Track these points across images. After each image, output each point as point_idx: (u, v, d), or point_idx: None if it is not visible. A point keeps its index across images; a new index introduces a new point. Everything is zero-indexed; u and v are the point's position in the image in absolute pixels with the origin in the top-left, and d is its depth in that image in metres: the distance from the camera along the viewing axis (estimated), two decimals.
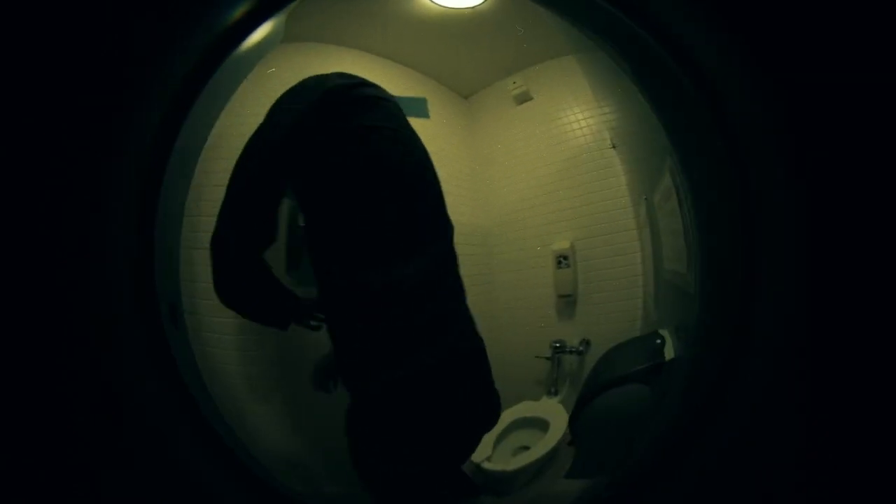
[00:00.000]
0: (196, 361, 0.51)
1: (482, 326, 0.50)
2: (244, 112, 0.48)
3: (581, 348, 0.53)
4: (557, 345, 0.53)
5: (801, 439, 0.48)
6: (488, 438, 0.53)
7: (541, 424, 0.55)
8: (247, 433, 0.54)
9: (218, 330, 0.51)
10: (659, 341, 0.53)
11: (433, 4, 0.50)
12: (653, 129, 0.52)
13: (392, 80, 0.48)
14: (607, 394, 0.53)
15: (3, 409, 0.38)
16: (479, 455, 0.53)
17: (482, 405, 0.53)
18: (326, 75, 0.48)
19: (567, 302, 0.51)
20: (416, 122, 0.48)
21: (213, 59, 0.48)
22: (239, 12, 0.47)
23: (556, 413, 0.55)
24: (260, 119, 0.47)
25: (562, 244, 0.50)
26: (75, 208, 0.41)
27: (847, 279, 0.44)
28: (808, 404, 0.47)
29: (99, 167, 0.42)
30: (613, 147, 0.51)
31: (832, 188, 0.43)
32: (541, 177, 0.50)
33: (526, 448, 0.55)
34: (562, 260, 0.50)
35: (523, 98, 0.50)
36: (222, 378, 0.52)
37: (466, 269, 0.48)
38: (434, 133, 0.48)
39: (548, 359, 0.53)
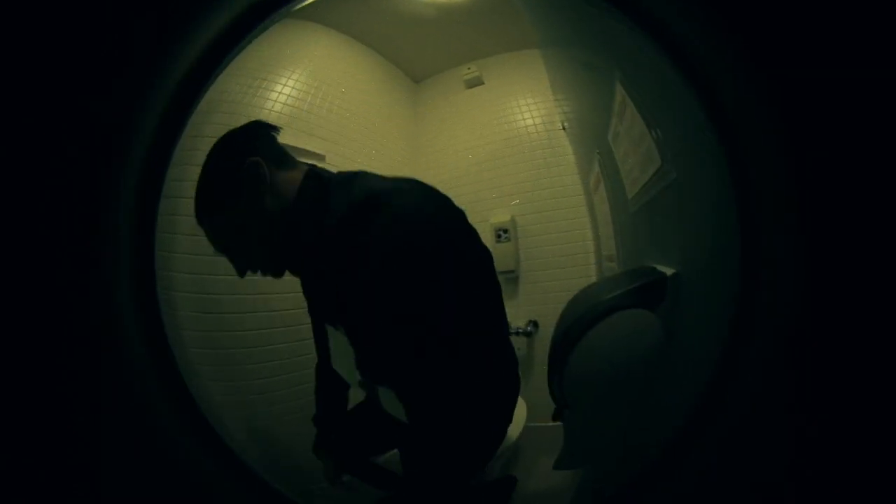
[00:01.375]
0: (195, 361, 0.53)
1: None
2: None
3: (529, 329, 0.50)
4: None
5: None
6: None
7: None
8: (246, 433, 0.55)
9: (215, 331, 0.55)
10: (648, 269, 0.45)
11: None
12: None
13: (348, 59, 0.53)
14: (597, 329, 0.44)
15: (2, 410, 0.37)
16: None
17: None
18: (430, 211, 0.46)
19: (509, 279, 0.50)
20: (362, 102, 0.52)
21: (213, 59, 0.50)
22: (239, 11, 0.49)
23: None
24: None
25: (501, 217, 0.49)
26: (75, 208, 0.40)
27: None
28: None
29: (99, 167, 0.41)
30: (563, 129, 0.51)
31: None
32: (481, 154, 0.51)
33: None
34: (501, 234, 0.49)
35: (474, 83, 0.52)
36: (221, 378, 0.55)
37: None
38: (379, 112, 0.52)
39: None
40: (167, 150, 0.50)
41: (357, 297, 0.44)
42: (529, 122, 0.51)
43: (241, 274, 0.49)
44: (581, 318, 0.44)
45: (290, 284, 0.55)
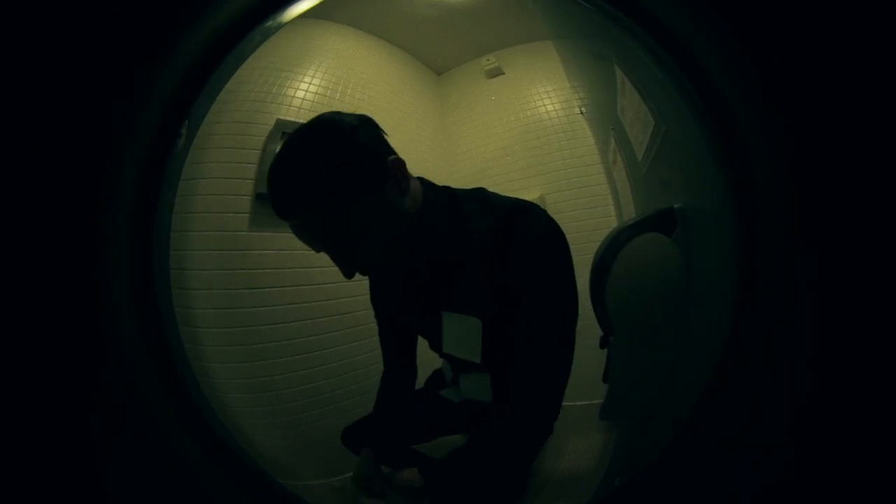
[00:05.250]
0: (194, 363, 0.53)
1: None
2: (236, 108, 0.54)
3: None
4: None
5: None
6: None
7: None
8: (245, 433, 0.56)
9: (213, 329, 0.55)
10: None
11: None
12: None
13: (372, 56, 0.55)
14: (624, 252, 0.51)
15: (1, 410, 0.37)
16: None
17: None
18: None
19: None
20: (388, 95, 0.55)
21: (214, 58, 0.50)
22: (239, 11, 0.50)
23: None
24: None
25: (531, 195, 0.53)
26: (75, 208, 0.40)
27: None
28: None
29: (99, 167, 0.41)
30: (581, 113, 0.55)
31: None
32: (508, 139, 0.54)
33: None
34: None
35: (495, 73, 0.55)
36: (220, 379, 0.55)
37: None
38: (407, 102, 0.54)
39: None
40: (167, 148, 0.50)
41: (520, 282, 0.50)
42: (550, 108, 0.54)
43: (350, 274, 0.50)
44: (609, 246, 0.51)
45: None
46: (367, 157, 0.48)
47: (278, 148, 0.52)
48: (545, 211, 0.52)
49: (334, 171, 0.47)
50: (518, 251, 0.50)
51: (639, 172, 0.52)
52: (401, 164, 0.48)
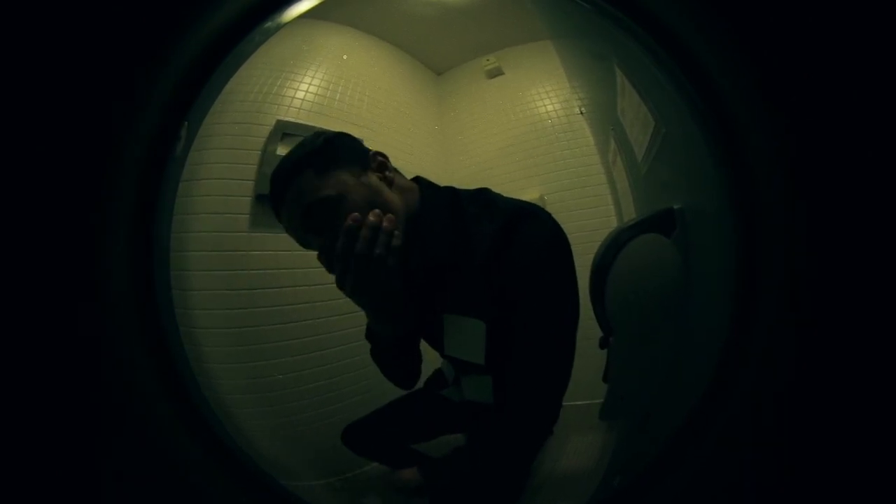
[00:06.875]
0: (194, 363, 0.53)
1: None
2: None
3: None
4: None
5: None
6: None
7: None
8: (245, 433, 0.55)
9: (213, 330, 0.55)
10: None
11: None
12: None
13: (372, 56, 0.55)
14: (623, 253, 0.51)
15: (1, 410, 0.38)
16: None
17: None
18: None
19: None
20: (388, 95, 0.55)
21: (214, 58, 0.51)
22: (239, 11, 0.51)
23: None
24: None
25: (531, 195, 0.52)
26: (75, 208, 0.40)
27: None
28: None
29: (99, 167, 0.42)
30: (581, 113, 0.55)
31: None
32: (508, 139, 0.54)
33: None
34: None
35: (495, 73, 0.55)
36: (220, 379, 0.55)
37: None
38: (406, 102, 0.55)
39: None
40: (167, 148, 0.51)
41: (517, 285, 0.51)
42: (550, 108, 0.54)
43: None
44: (609, 247, 0.51)
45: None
46: (349, 146, 0.51)
47: (278, 149, 0.53)
48: (550, 215, 0.52)
49: (320, 160, 0.51)
50: (517, 254, 0.51)
51: (638, 173, 0.52)
52: (382, 156, 0.51)
